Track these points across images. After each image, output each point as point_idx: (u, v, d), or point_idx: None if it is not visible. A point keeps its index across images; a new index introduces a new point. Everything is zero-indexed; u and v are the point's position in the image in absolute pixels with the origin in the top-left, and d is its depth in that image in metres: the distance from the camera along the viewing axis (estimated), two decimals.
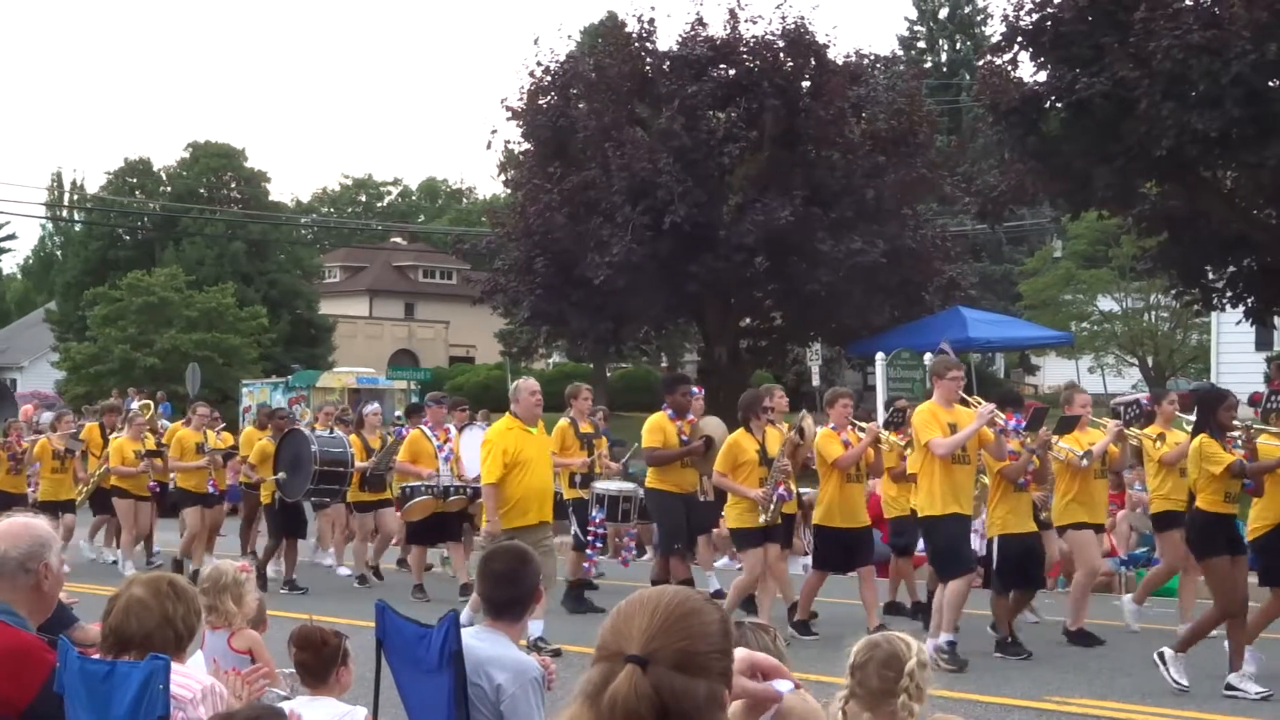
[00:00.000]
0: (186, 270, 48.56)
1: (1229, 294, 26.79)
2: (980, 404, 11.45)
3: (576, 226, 31.96)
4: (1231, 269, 26.46)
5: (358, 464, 16.65)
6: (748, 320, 36.53)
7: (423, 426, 16.09)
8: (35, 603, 4.89)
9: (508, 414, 12.16)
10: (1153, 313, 39.18)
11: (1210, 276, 26.99)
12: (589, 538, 14.36)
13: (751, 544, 12.30)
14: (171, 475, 18.41)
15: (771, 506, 12.13)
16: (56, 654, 4.66)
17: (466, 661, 5.25)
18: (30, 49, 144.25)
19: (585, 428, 14.82)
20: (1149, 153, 22.39)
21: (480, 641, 5.39)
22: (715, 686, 2.46)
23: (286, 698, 5.66)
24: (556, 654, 10.05)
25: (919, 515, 11.64)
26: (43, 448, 18.70)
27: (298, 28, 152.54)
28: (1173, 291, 29.89)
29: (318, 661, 5.63)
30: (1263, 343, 34.78)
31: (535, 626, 10.72)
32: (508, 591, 5.55)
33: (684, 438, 13.67)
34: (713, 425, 14.05)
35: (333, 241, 74.59)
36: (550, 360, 55.69)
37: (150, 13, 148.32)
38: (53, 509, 17.65)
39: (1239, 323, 29.00)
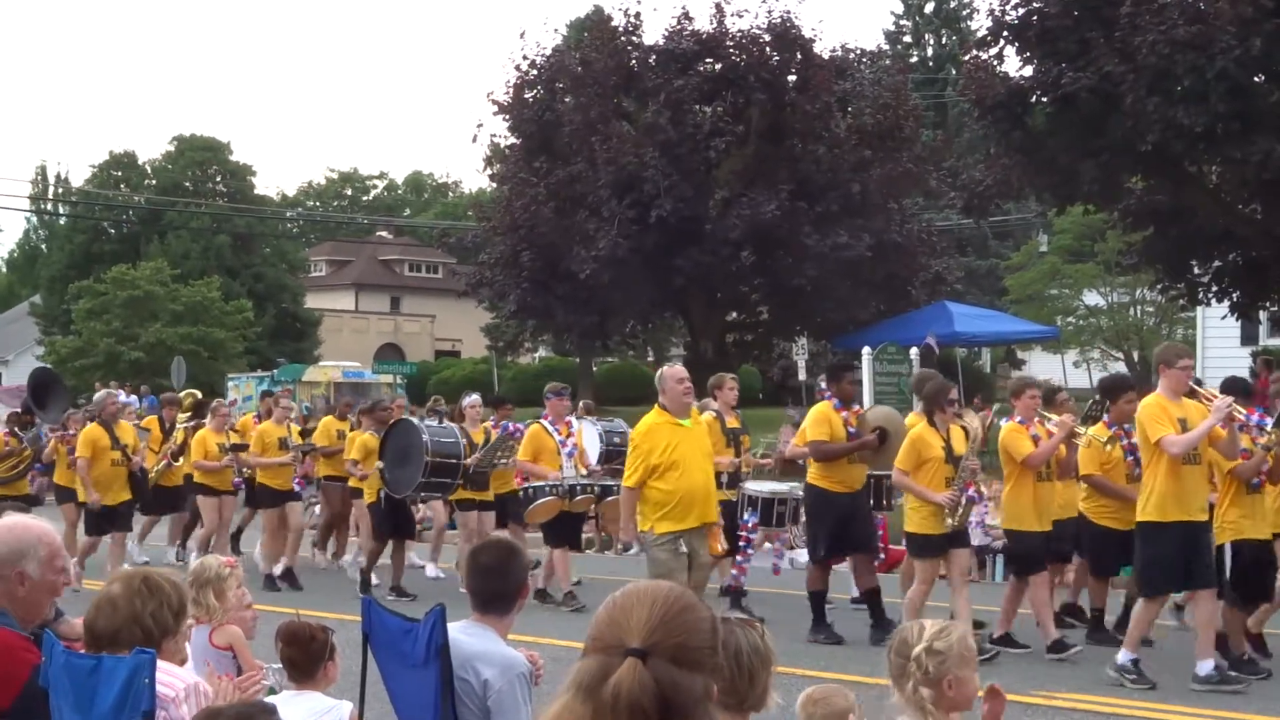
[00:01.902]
0: (171, 264, 48.46)
1: (1214, 288, 26.85)
2: (1215, 396, 10.34)
3: (562, 220, 31.97)
4: (1217, 264, 26.52)
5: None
6: (734, 314, 36.58)
7: (543, 421, 14.59)
8: (16, 607, 4.81)
9: (655, 407, 10.91)
10: (1138, 307, 39.23)
11: (1196, 271, 27.05)
12: (741, 543, 13.14)
13: (931, 553, 11.24)
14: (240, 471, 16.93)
15: (960, 510, 11.17)
16: (40, 651, 4.64)
17: (453, 656, 5.24)
18: (14, 42, 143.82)
19: (732, 422, 13.36)
20: (1134, 147, 22.44)
21: (467, 636, 5.37)
22: (708, 681, 2.47)
23: (273, 691, 5.64)
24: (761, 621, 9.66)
25: (1137, 520, 10.44)
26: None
27: (284, 21, 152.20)
28: (1158, 286, 29.94)
29: (305, 656, 5.63)
30: (1248, 337, 34.89)
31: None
32: (495, 585, 5.53)
33: (851, 429, 12.31)
34: (885, 416, 12.86)
35: (318, 235, 74.44)
36: (536, 354, 55.65)
37: (135, 6, 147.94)
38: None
39: (1224, 317, 29.08)
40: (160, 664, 4.50)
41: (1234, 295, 26.66)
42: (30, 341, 57.53)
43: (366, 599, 5.87)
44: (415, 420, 15.50)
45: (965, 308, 32.32)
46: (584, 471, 14.26)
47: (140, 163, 60.42)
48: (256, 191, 62.04)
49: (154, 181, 59.13)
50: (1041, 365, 47.58)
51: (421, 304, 68.86)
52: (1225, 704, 9.75)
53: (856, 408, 12.69)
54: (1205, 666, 10.12)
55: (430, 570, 16.72)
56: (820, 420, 12.34)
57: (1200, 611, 10.26)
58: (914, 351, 24.42)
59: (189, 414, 19.00)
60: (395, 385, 38.54)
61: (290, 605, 12.53)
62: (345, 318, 64.10)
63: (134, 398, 36.13)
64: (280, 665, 5.73)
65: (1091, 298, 39.70)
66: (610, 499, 14.10)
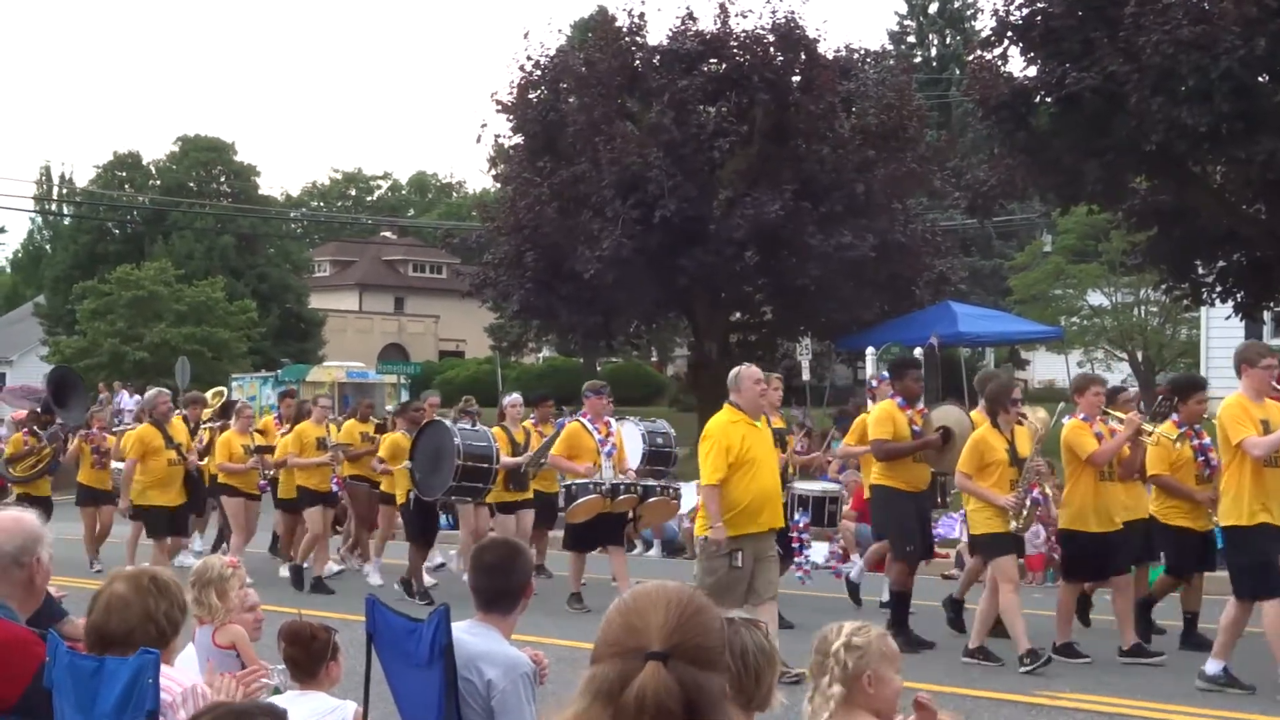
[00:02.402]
0: (176, 264, 48.52)
1: (1218, 289, 26.81)
2: None
3: (566, 221, 31.95)
4: (1221, 264, 26.48)
5: (504, 459, 14.93)
6: (738, 315, 36.56)
7: (581, 419, 14.36)
8: (27, 596, 4.89)
9: (727, 405, 10.62)
10: (1142, 307, 39.16)
11: (1200, 271, 27.00)
12: (794, 544, 12.93)
13: (1002, 551, 10.97)
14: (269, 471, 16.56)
15: (1025, 512, 10.91)
16: (46, 647, 4.64)
17: (457, 656, 5.24)
18: (19, 42, 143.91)
19: (777, 422, 12.99)
20: (1138, 147, 22.41)
21: (471, 636, 5.37)
22: (722, 680, 2.47)
23: (278, 691, 5.65)
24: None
25: (1222, 525, 10.34)
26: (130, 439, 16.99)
27: (288, 21, 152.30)
28: (1162, 286, 29.88)
29: (307, 656, 5.64)
30: (1252, 337, 34.85)
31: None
32: (499, 583, 5.52)
33: (915, 428, 12.06)
34: (950, 415, 12.54)
35: (322, 236, 74.52)
36: (540, 355, 55.67)
37: (140, 6, 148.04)
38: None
39: (1228, 317, 29.01)
40: (161, 666, 4.51)
41: (1238, 295, 26.61)
42: (35, 342, 57.61)
43: (371, 598, 5.87)
44: (448, 422, 15.14)
45: (969, 308, 32.33)
46: (622, 473, 13.93)
47: (145, 163, 60.53)
48: (261, 192, 62.14)
49: (158, 182, 59.21)
50: (1045, 365, 47.61)
51: (425, 304, 68.92)
52: (1228, 704, 9.75)
53: (920, 406, 12.40)
54: (1214, 666, 10.09)
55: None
56: (884, 419, 12.07)
57: (1269, 621, 9.88)
58: (918, 351, 24.41)
59: (212, 414, 18.69)
60: (399, 386, 38.61)
61: (294, 605, 12.53)
62: (349, 318, 64.18)
63: (136, 397, 36.16)
64: (283, 666, 5.74)
65: (1095, 298, 39.64)
66: (652, 500, 13.93)
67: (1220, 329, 34.69)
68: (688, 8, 34.54)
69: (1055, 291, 39.72)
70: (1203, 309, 32.93)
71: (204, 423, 17.96)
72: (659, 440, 14.95)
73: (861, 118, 33.08)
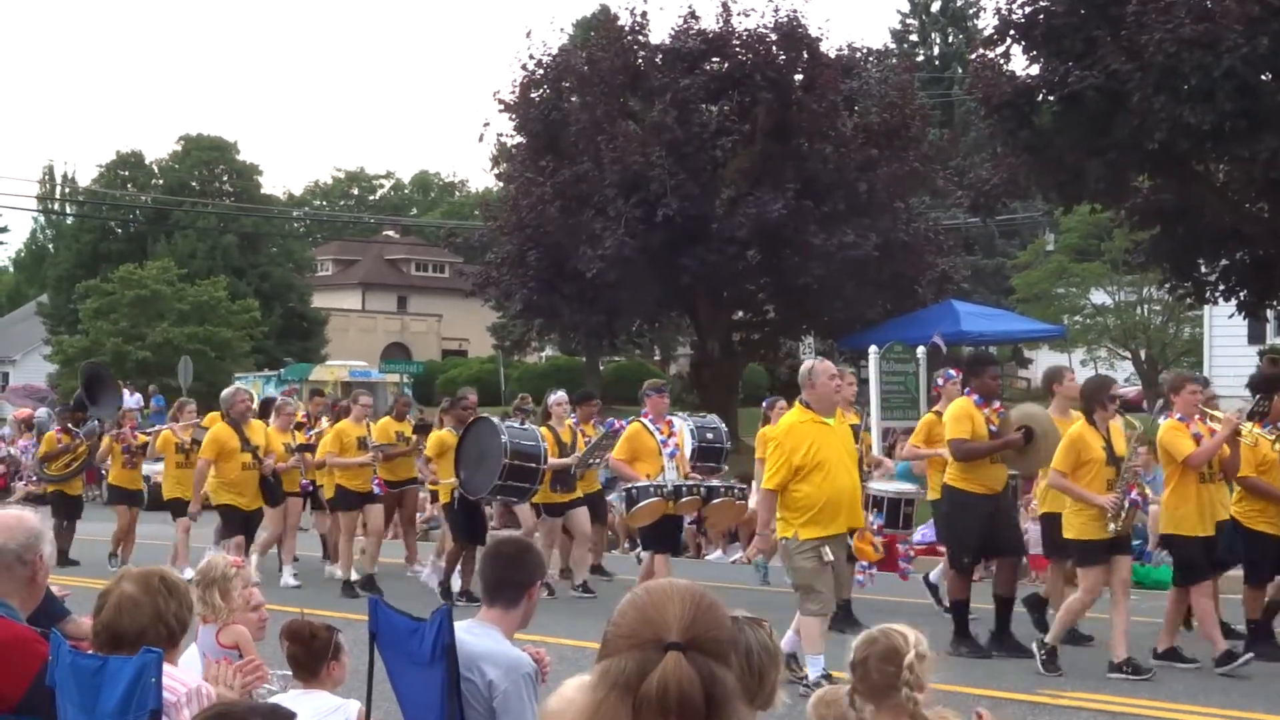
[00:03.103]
0: (178, 263, 48.60)
1: (1221, 287, 26.79)
2: None
3: (569, 220, 31.96)
4: (1224, 262, 26.46)
5: (551, 460, 14.50)
6: (740, 313, 36.56)
7: (643, 420, 13.64)
8: (28, 594, 4.90)
9: (797, 404, 10.26)
10: (1145, 306, 39.20)
11: (1203, 270, 26.99)
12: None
13: (1096, 559, 10.54)
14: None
15: (1123, 514, 10.48)
16: (49, 646, 4.65)
17: (459, 656, 5.24)
18: (22, 41, 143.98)
19: (851, 418, 12.26)
20: (1141, 146, 22.40)
21: (472, 636, 5.37)
22: (734, 674, 2.48)
23: (277, 692, 5.65)
24: None
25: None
26: (165, 440, 16.91)
27: (290, 20, 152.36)
28: (1165, 285, 29.89)
29: (308, 655, 5.64)
30: (1255, 336, 34.83)
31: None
32: (506, 572, 5.50)
33: (992, 427, 11.54)
34: (1030, 414, 11.96)
35: (325, 235, 74.57)
36: (543, 354, 55.69)
37: (142, 5, 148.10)
38: (182, 508, 16.37)
39: (1231, 316, 29.00)
40: (165, 666, 4.51)
41: (1241, 294, 26.60)
42: (37, 341, 57.70)
43: (373, 598, 5.88)
44: (495, 420, 14.69)
45: (972, 306, 32.31)
46: (685, 474, 13.39)
47: (147, 162, 60.62)
48: (263, 191, 62.27)
49: (161, 181, 59.30)
50: (1048, 364, 47.57)
51: (428, 303, 68.95)
52: (1232, 702, 9.75)
53: (997, 404, 11.89)
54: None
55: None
56: (961, 417, 11.53)
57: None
58: (921, 350, 24.40)
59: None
60: (402, 384, 38.61)
61: (298, 605, 12.52)
62: (352, 317, 64.21)
63: (137, 396, 36.20)
64: (287, 672, 5.75)
65: (1098, 296, 39.68)
66: (717, 501, 13.36)
67: (1223, 327, 34.70)
68: (690, 6, 34.45)
69: (1058, 290, 39.77)
70: (1205, 308, 32.95)
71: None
72: (709, 435, 14.39)
73: (864, 116, 33.09)
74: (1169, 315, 38.87)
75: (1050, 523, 11.66)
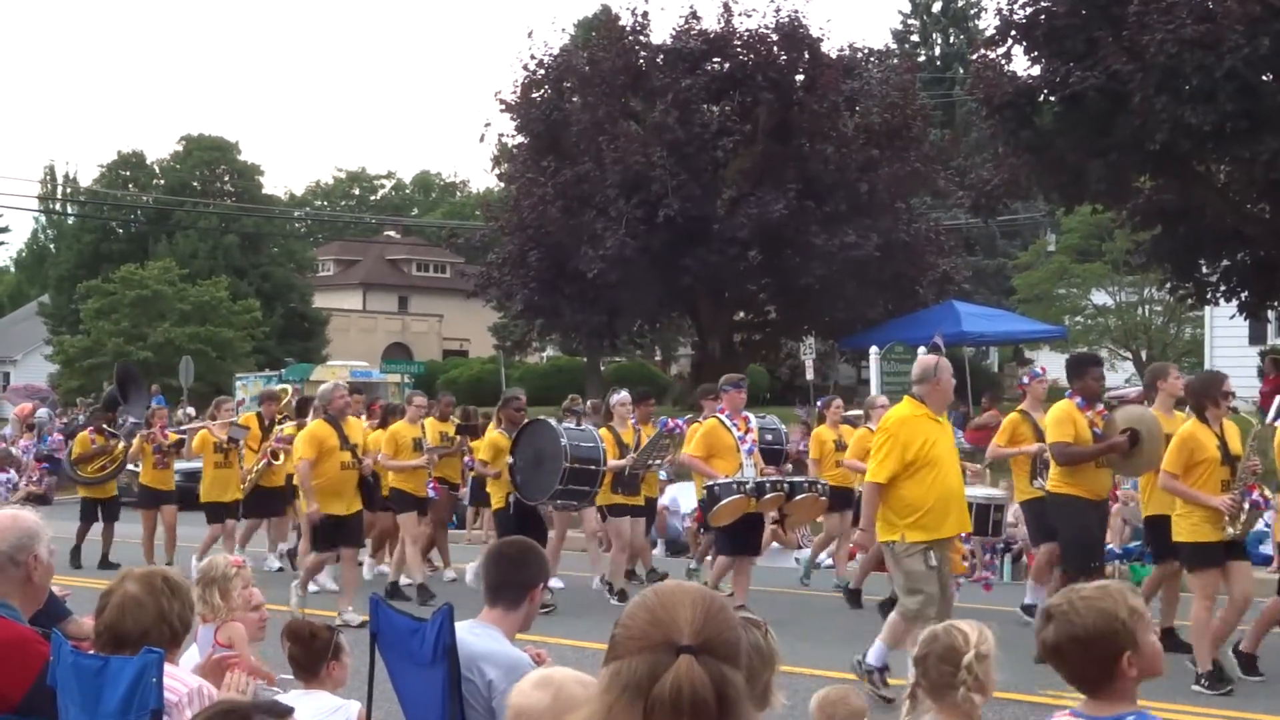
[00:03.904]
0: (180, 263, 48.60)
1: (1223, 288, 26.80)
2: None
3: (570, 220, 31.98)
4: (1225, 263, 26.47)
5: (611, 462, 14.06)
6: (741, 314, 36.58)
7: (720, 415, 13.07)
8: (26, 594, 4.89)
9: (907, 399, 9.85)
10: (1146, 307, 39.16)
11: (1204, 270, 27.00)
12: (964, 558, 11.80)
13: (1210, 562, 10.06)
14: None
15: (1243, 516, 10.00)
16: (50, 646, 4.65)
17: (459, 656, 5.24)
18: (23, 41, 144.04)
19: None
20: (1142, 146, 22.42)
21: (473, 636, 5.37)
22: (744, 677, 2.48)
23: (278, 693, 5.66)
24: None
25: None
26: (203, 440, 16.42)
27: (292, 20, 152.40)
28: (1167, 285, 29.89)
29: (307, 655, 5.65)
30: (1256, 337, 34.81)
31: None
32: (509, 573, 5.49)
33: (1095, 430, 11.12)
34: (1135, 416, 11.41)
35: (326, 235, 74.57)
36: (544, 354, 55.69)
37: (144, 5, 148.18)
38: (219, 512, 16.11)
39: (1233, 317, 29.01)
40: (166, 666, 4.51)
41: (1242, 294, 26.61)
42: (39, 341, 57.71)
43: (375, 598, 5.88)
44: (553, 422, 14.24)
45: (973, 307, 32.34)
46: (761, 471, 12.96)
47: (148, 162, 60.64)
48: (264, 191, 62.27)
49: (162, 181, 59.32)
50: (1049, 365, 47.49)
51: (429, 303, 68.94)
52: (1231, 704, 9.74)
53: (1100, 407, 11.48)
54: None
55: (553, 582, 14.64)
56: (1063, 420, 11.04)
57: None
58: (921, 351, 24.42)
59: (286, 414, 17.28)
60: (403, 385, 38.59)
61: (302, 605, 12.55)
62: (353, 317, 64.19)
63: (161, 397, 36.18)
64: (290, 676, 5.76)
65: (1099, 297, 39.65)
66: (800, 497, 12.84)
67: (1224, 328, 34.69)
68: (691, 7, 34.62)
69: (1059, 291, 39.74)
70: (1207, 308, 32.93)
71: (279, 420, 16.77)
72: (768, 437, 13.98)
73: (865, 117, 33.11)
74: (1170, 316, 38.83)
75: (1158, 525, 11.19)
